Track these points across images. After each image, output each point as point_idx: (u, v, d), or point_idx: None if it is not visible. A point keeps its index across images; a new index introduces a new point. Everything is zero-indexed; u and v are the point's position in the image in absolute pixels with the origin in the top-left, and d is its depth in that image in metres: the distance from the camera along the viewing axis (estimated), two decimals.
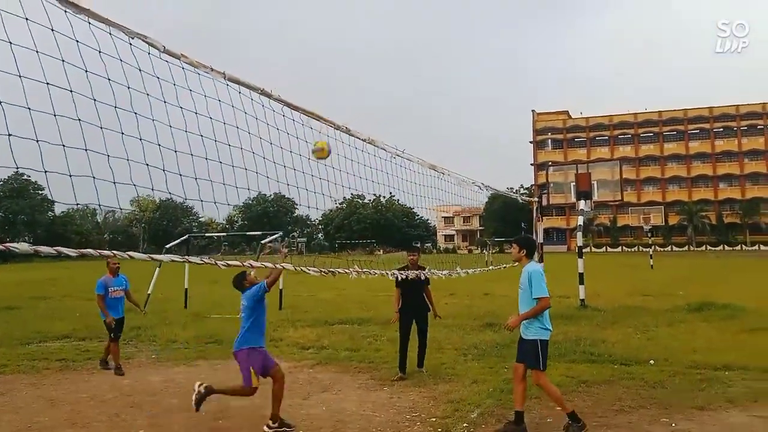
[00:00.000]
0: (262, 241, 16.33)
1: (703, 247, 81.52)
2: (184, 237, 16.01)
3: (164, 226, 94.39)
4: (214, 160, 4.59)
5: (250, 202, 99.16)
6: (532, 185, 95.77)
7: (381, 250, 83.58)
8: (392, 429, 6.06)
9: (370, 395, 7.47)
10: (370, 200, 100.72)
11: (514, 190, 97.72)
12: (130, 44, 3.51)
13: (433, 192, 8.12)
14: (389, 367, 8.84)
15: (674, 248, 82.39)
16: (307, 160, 5.73)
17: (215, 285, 24.33)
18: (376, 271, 5.92)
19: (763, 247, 79.93)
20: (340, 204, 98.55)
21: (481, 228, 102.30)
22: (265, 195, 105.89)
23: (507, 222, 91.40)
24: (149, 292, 16.35)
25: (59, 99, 3.40)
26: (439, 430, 5.95)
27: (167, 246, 16.90)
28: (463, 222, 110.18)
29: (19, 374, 8.94)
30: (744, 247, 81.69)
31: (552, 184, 18.19)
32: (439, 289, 22.37)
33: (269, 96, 4.43)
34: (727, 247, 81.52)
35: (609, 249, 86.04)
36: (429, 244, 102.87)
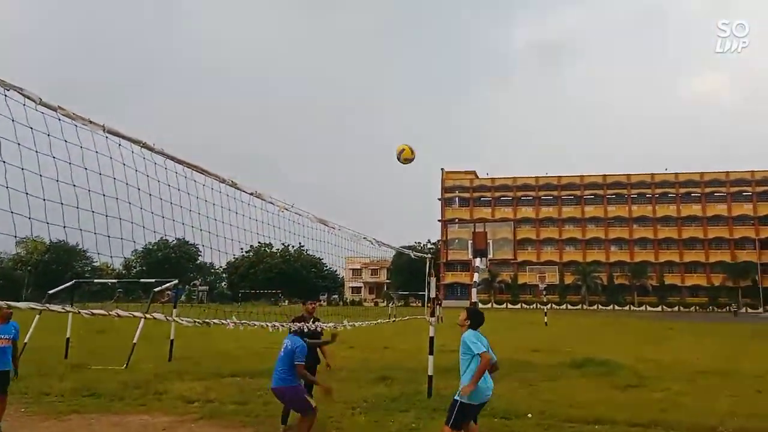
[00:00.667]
0: (155, 289, 15.74)
1: (595, 306, 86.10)
2: (71, 282, 15.15)
3: (53, 269, 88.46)
4: (110, 196, 4.45)
5: (151, 247, 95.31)
6: (438, 240, 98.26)
7: (287, 301, 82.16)
8: None
9: None
10: (278, 249, 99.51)
11: (422, 245, 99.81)
12: (5, 95, 3.50)
13: (325, 246, 8.21)
14: (275, 421, 8.69)
15: (569, 306, 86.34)
16: (212, 206, 5.67)
17: (101, 335, 23.09)
18: (255, 322, 5.88)
19: (649, 308, 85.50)
20: (246, 252, 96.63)
21: (388, 281, 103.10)
22: (167, 240, 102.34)
23: (413, 275, 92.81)
24: (26, 341, 15.26)
25: None
26: None
27: (50, 292, 15.91)
28: (371, 274, 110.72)
29: None
30: (632, 307, 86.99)
31: (456, 241, 18.88)
32: (340, 342, 22.37)
33: (151, 149, 4.45)
34: (617, 307, 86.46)
35: (509, 305, 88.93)
36: (336, 296, 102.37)
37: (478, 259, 16.66)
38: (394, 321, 13.67)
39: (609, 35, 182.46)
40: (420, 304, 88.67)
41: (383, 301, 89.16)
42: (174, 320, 5.19)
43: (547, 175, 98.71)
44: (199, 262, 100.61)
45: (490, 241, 17.58)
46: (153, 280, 18.04)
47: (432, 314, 11.39)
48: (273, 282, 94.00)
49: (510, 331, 31.44)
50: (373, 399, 10.38)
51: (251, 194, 5.73)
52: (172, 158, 4.58)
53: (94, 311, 4.38)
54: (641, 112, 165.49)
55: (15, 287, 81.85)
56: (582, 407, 9.79)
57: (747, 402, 10.24)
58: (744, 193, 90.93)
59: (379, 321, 11.09)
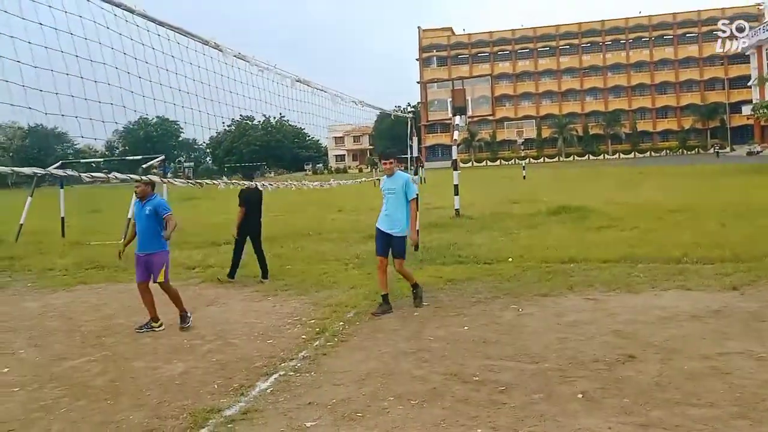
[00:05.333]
0: (143, 165, 15.86)
1: (571, 158, 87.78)
2: (57, 164, 15.13)
3: (35, 154, 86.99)
4: (89, 79, 4.45)
5: (131, 126, 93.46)
6: (418, 103, 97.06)
7: (272, 172, 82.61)
8: (274, 332, 6.56)
9: (253, 305, 7.93)
10: (259, 121, 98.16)
11: (401, 108, 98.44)
12: None
13: (307, 117, 8.28)
14: (274, 280, 9.31)
15: (546, 160, 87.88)
16: (192, 81, 5.68)
17: (96, 214, 23.38)
18: (238, 182, 6.29)
19: (623, 155, 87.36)
20: (228, 126, 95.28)
21: (371, 147, 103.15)
22: (147, 118, 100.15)
23: (396, 140, 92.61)
24: (21, 222, 15.60)
25: None
26: (317, 329, 6.52)
27: (39, 173, 15.92)
28: (354, 141, 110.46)
29: None
30: (606, 156, 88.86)
31: (436, 102, 18.91)
32: (329, 205, 23.04)
33: (132, 11, 4.42)
34: (592, 157, 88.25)
35: (489, 163, 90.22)
36: (320, 165, 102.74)
37: (457, 117, 16.83)
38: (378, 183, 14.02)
39: None
40: (403, 168, 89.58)
41: (367, 167, 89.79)
42: (168, 181, 5.47)
43: (523, 27, 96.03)
44: (181, 139, 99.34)
45: (469, 99, 17.64)
46: (139, 157, 18.07)
47: (415, 174, 11.73)
48: (258, 154, 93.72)
49: (490, 186, 32.36)
50: (364, 255, 10.97)
51: (235, 56, 5.72)
52: (154, 20, 4.56)
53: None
54: None
55: None
56: (557, 249, 10.49)
57: (711, 234, 11.02)
58: (714, 32, 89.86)
59: (362, 180, 11.42)
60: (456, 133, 16.88)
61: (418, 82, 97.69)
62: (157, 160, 16.11)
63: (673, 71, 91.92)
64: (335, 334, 6.27)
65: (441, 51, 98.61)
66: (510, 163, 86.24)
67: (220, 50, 5.45)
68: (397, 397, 4.54)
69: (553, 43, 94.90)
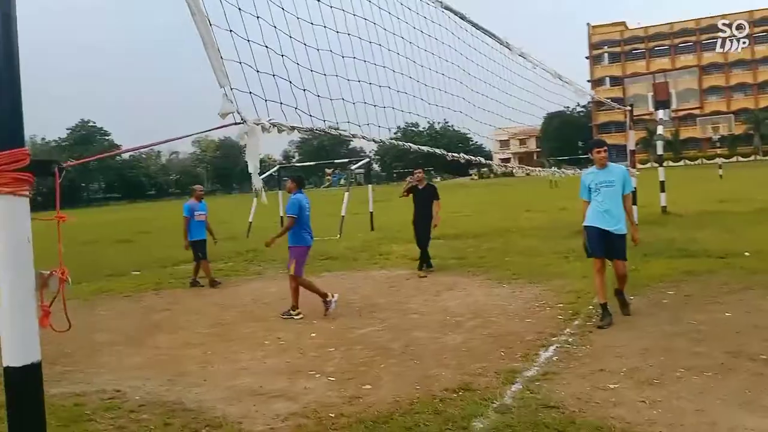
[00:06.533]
0: (352, 167, 17.32)
1: None
2: (275, 168, 17.17)
3: (223, 165, 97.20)
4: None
5: (306, 136, 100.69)
6: (589, 102, 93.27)
7: (439, 177, 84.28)
8: (526, 313, 7.01)
9: (493, 291, 8.47)
10: (424, 128, 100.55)
11: (570, 109, 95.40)
12: None
13: (470, 122, 7.64)
14: (500, 270, 9.81)
15: (739, 159, 79.74)
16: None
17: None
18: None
19: None
20: (395, 134, 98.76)
21: (538, 150, 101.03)
22: (315, 129, 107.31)
23: (564, 141, 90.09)
24: (250, 220, 17.82)
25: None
26: (570, 311, 6.87)
27: (262, 177, 18.21)
28: (520, 144, 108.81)
29: (173, 289, 10.33)
30: None
31: (633, 97, 18.35)
32: (516, 205, 23.26)
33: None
34: None
35: (671, 163, 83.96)
36: (486, 169, 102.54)
37: (660, 112, 16.25)
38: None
39: None
40: (573, 172, 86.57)
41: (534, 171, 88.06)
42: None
43: (710, 15, 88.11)
44: (351, 147, 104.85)
45: (672, 91, 16.94)
46: (346, 161, 19.65)
47: (633, 166, 11.61)
48: (424, 160, 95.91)
49: (685, 186, 30.34)
50: (580, 250, 11.04)
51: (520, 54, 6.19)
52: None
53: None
54: None
55: (198, 181, 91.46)
56: None
57: None
58: None
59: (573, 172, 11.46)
60: (660, 128, 16.27)
61: (588, 81, 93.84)
62: (363, 162, 17.47)
63: None
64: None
65: (613, 47, 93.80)
66: (696, 163, 79.58)
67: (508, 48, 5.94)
68: (688, 369, 4.74)
69: (747, 31, 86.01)
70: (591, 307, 6.96)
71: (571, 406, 4.12)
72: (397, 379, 4.95)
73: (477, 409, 4.14)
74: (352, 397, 4.59)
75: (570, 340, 5.77)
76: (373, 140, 4.64)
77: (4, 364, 2.00)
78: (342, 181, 69.21)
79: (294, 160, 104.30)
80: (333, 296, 7.56)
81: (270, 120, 2.87)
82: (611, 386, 4.49)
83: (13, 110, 2.04)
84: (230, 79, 2.56)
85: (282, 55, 3.62)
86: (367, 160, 17.89)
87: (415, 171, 10.72)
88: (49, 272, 2.15)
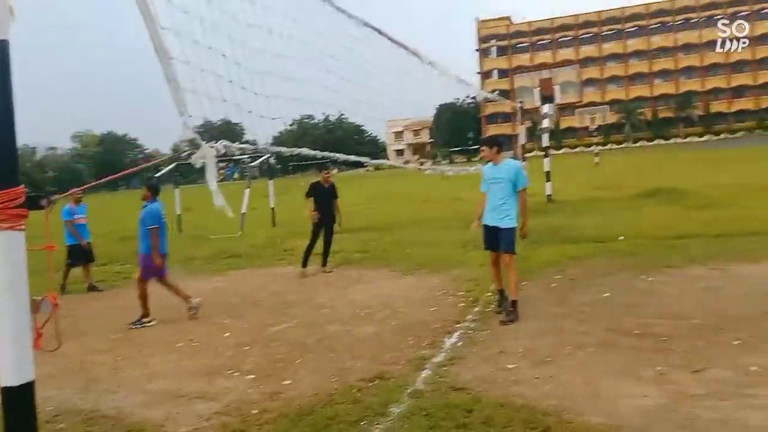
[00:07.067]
0: (252, 164, 17.18)
1: (639, 144, 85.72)
2: (172, 165, 16.70)
3: (108, 160, 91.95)
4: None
5: (198, 130, 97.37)
6: (476, 96, 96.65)
7: (336, 169, 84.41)
8: (432, 301, 7.46)
9: (399, 282, 8.88)
10: (320, 120, 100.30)
11: (460, 101, 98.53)
12: None
13: (364, 108, 7.76)
14: (403, 262, 10.24)
15: (613, 146, 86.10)
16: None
17: (189, 212, 24.90)
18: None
19: (696, 139, 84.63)
20: (290, 125, 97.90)
21: (431, 141, 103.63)
22: (211, 122, 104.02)
23: (456, 132, 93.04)
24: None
25: None
26: (470, 298, 7.39)
27: (157, 176, 17.60)
28: (413, 135, 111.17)
29: (67, 295, 9.92)
30: (677, 140, 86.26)
31: (497, 92, 19.47)
32: (413, 197, 23.96)
33: None
34: (662, 141, 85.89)
35: (553, 152, 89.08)
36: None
37: (546, 106, 17.38)
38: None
39: None
40: (465, 160, 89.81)
41: (427, 161, 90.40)
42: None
43: (586, 11, 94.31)
44: (244, 140, 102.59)
45: (557, 86, 18.14)
46: (246, 156, 19.40)
47: (523, 160, 12.40)
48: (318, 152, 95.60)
49: (566, 174, 32.47)
50: (476, 240, 11.68)
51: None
52: None
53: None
54: None
55: (77, 178, 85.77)
56: (666, 228, 11.01)
57: None
58: None
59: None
60: (546, 121, 17.42)
61: (478, 73, 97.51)
62: (262, 158, 17.34)
63: (750, 49, 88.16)
64: (489, 303, 7.11)
65: (501, 41, 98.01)
66: (575, 151, 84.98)
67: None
68: (575, 346, 5.33)
69: (619, 26, 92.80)
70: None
71: (477, 386, 4.54)
72: (315, 373, 5.19)
73: (392, 396, 4.46)
74: (273, 393, 4.78)
75: (472, 325, 6.25)
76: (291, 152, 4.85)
77: (3, 384, 2.10)
78: (236, 176, 67.90)
79: (183, 155, 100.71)
80: (195, 300, 7.64)
81: (222, 143, 3.03)
82: (510, 366, 4.97)
83: (9, 152, 2.20)
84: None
85: None
86: (267, 155, 17.64)
87: (328, 170, 10.70)
88: (41, 298, 2.28)
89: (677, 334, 5.43)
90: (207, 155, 2.77)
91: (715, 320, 5.75)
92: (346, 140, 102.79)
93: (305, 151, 7.20)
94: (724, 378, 4.42)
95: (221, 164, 17.92)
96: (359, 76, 7.36)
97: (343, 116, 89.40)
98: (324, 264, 10.39)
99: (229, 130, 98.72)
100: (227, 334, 6.68)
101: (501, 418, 3.95)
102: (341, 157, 7.93)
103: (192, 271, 11.44)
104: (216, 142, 2.92)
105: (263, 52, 5.11)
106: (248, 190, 16.21)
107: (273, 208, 17.60)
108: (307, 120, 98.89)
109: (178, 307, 7.81)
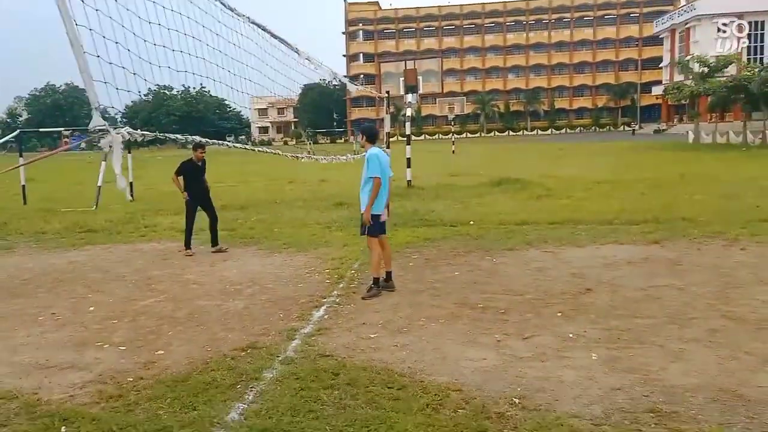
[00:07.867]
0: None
1: (492, 134, 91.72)
2: (13, 134, 15.40)
3: None
4: None
5: (38, 93, 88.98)
6: (345, 76, 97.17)
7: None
8: (298, 279, 7.87)
9: (266, 260, 9.17)
10: (179, 91, 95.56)
11: (326, 82, 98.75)
12: None
13: (229, 83, 7.38)
14: (270, 241, 10.53)
15: (468, 135, 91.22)
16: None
17: (32, 182, 23.27)
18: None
19: (541, 132, 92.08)
20: (145, 96, 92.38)
21: (295, 120, 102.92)
22: (54, 85, 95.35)
23: (321, 112, 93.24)
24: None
25: None
26: (335, 276, 7.90)
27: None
28: (278, 113, 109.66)
29: None
30: (525, 132, 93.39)
31: (362, 75, 20.19)
32: (280, 178, 24.04)
33: None
34: (512, 133, 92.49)
35: (414, 138, 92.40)
36: (243, 137, 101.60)
37: (409, 95, 18.27)
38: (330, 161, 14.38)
39: None
40: (328, 141, 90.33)
41: (292, 140, 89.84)
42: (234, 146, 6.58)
43: (450, 4, 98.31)
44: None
45: (420, 77, 19.06)
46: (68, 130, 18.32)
47: (387, 147, 13.10)
48: (178, 125, 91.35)
49: (425, 161, 34.15)
50: (341, 220, 12.30)
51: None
52: None
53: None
54: None
55: None
56: (509, 215, 12.25)
57: (634, 202, 13.16)
58: (632, 15, 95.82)
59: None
60: (409, 110, 18.33)
61: (344, 56, 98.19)
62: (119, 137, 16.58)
63: (591, 52, 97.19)
64: (353, 279, 7.67)
65: (367, 25, 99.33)
66: (435, 138, 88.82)
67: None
68: (427, 318, 6.03)
69: (479, 21, 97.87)
70: (353, 271, 8.08)
71: (342, 353, 5.06)
72: (188, 344, 5.43)
73: (265, 362, 4.86)
74: (146, 363, 4.97)
75: (337, 300, 6.76)
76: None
77: None
78: (83, 145, 63.19)
79: (21, 119, 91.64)
80: None
81: (127, 130, 3.19)
82: (371, 336, 5.55)
83: None
84: None
85: None
86: (127, 128, 16.79)
87: (203, 147, 9.84)
88: None
89: (513, 308, 6.32)
90: (114, 141, 2.95)
91: (544, 296, 6.74)
92: (208, 114, 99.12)
93: (198, 138, 7.19)
94: (548, 343, 5.29)
95: (66, 132, 16.77)
96: (223, 51, 7.07)
97: (204, 88, 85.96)
98: (215, 243, 10.04)
99: (76, 96, 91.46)
100: (92, 308, 6.65)
101: (363, 379, 4.50)
102: (223, 144, 7.60)
103: (43, 244, 10.91)
104: (122, 128, 3.09)
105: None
106: (104, 162, 15.42)
107: (131, 182, 16.92)
108: (165, 91, 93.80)
109: (35, 281, 7.54)
